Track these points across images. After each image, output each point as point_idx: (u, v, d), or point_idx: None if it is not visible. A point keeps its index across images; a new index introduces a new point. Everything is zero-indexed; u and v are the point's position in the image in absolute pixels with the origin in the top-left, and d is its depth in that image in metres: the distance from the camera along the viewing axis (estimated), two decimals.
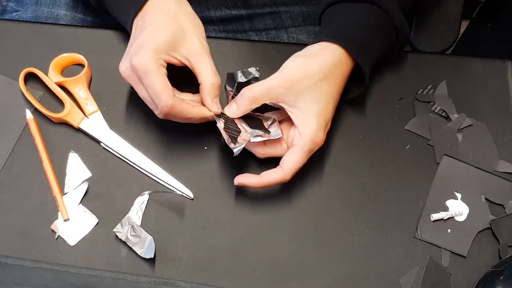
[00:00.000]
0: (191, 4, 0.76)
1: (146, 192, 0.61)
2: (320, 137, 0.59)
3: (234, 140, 0.58)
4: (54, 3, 0.79)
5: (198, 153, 0.64)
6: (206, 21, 0.78)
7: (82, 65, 0.67)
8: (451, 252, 0.61)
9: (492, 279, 0.56)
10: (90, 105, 0.65)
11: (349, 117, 0.67)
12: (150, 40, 0.58)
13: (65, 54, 0.67)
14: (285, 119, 0.62)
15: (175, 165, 0.63)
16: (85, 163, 0.63)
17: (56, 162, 0.62)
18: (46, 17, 0.78)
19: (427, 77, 0.70)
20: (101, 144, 0.63)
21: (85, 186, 0.61)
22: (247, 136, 0.59)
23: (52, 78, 0.66)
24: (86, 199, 0.61)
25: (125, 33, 0.70)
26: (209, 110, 0.60)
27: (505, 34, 0.92)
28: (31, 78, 0.67)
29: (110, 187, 0.62)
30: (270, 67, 0.62)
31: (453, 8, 0.72)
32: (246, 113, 0.60)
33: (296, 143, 0.59)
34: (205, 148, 0.64)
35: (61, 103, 0.66)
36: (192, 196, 0.62)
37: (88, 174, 0.62)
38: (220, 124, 0.59)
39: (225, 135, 0.58)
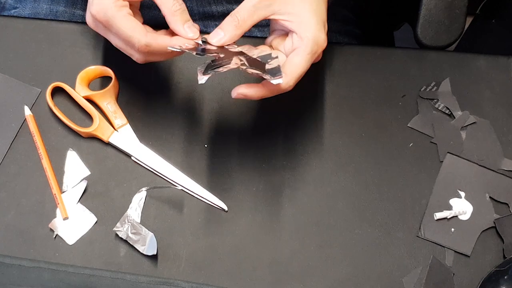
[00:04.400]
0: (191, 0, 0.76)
1: (144, 189, 0.60)
2: (322, 38, 0.54)
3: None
4: None
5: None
6: (208, 17, 0.77)
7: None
8: (455, 251, 0.60)
9: (496, 278, 0.56)
10: (119, 118, 0.64)
11: (351, 114, 0.66)
12: None
13: (92, 67, 0.65)
14: (277, 36, 0.58)
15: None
16: (84, 161, 0.62)
17: (54, 160, 0.62)
18: (45, 14, 0.77)
19: (430, 74, 0.69)
20: (132, 157, 0.62)
21: (83, 185, 0.61)
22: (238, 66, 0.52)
23: (79, 92, 0.64)
24: (84, 198, 0.61)
25: None
26: (185, 38, 0.54)
27: (509, 31, 0.91)
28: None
29: (109, 186, 0.61)
30: None
31: (458, 1, 0.71)
32: (234, 41, 0.55)
33: (298, 45, 0.54)
34: (205, 146, 0.64)
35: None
36: (226, 208, 0.61)
37: (86, 172, 0.62)
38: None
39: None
